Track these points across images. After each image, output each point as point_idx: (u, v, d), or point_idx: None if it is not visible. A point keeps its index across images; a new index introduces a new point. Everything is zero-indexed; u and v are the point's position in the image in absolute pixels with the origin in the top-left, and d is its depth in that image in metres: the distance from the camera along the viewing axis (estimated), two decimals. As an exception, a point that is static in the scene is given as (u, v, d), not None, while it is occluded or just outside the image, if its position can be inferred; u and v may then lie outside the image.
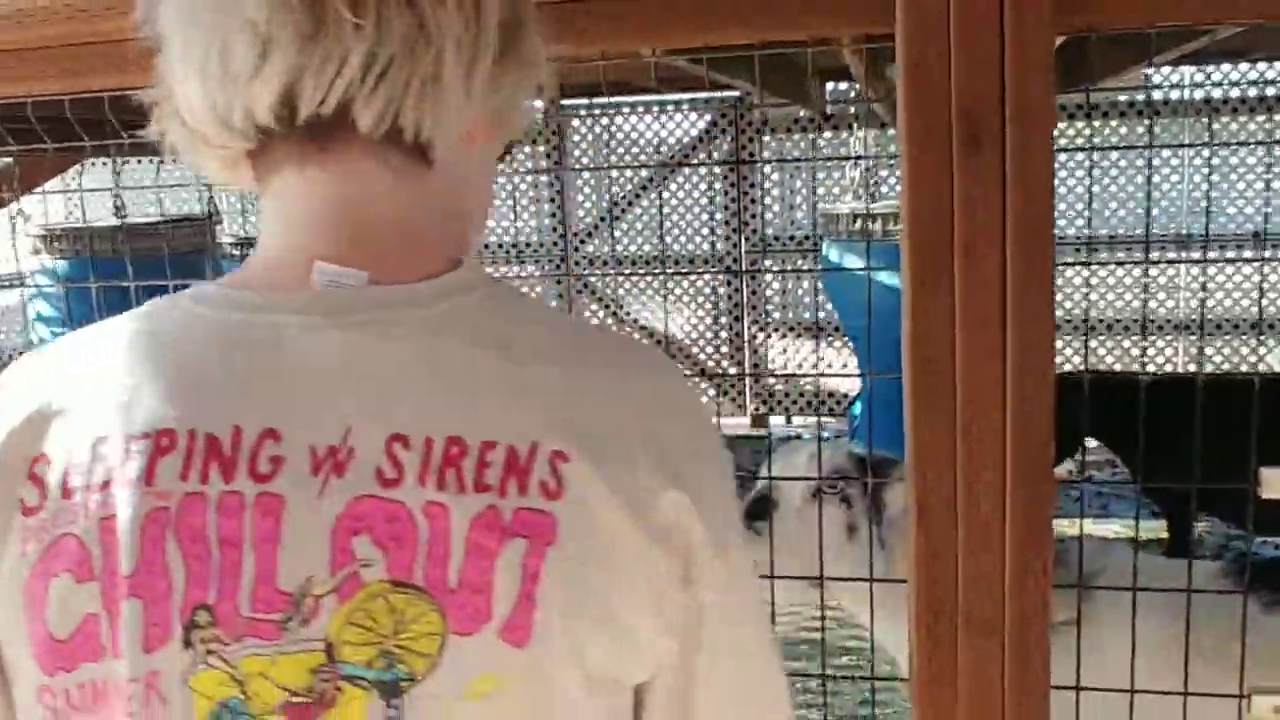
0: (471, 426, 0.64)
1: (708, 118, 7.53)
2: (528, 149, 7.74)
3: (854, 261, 4.13)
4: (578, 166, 7.80)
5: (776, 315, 7.97)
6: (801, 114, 6.98)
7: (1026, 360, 1.08)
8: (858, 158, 5.16)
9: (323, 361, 0.66)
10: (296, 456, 0.64)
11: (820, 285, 7.52)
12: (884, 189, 6.89)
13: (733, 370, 8.01)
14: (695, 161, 7.58)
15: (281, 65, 0.65)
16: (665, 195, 7.71)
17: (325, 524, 0.63)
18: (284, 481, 0.64)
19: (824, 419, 7.75)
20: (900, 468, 1.86)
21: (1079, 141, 6.31)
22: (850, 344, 4.82)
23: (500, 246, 8.10)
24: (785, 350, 7.83)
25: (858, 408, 4.95)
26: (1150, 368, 6.72)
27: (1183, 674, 1.34)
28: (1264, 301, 6.87)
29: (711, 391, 8.03)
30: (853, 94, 6.06)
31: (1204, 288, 6.76)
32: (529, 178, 7.82)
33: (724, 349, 8.08)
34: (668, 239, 7.61)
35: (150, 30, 0.70)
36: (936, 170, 1.08)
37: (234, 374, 0.67)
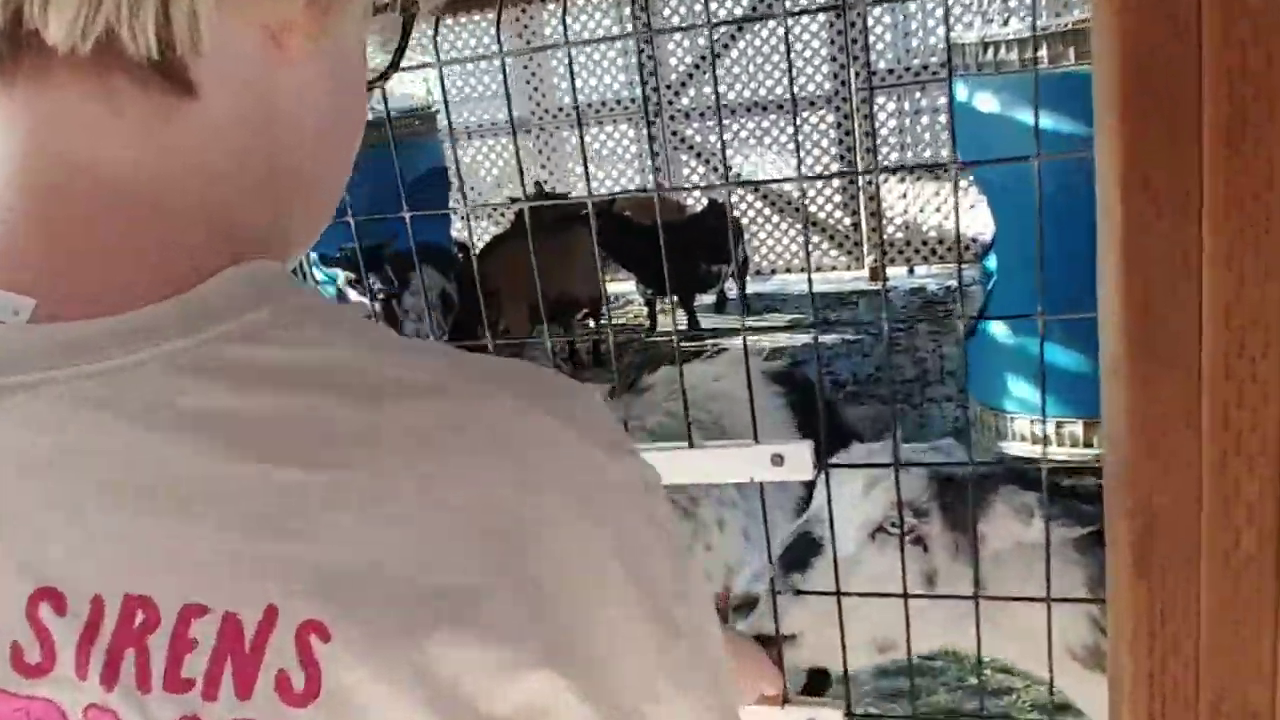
0: (167, 579, 0.41)
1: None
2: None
3: (985, 98, 3.55)
4: None
5: (894, 157, 7.31)
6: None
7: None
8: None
9: None
10: None
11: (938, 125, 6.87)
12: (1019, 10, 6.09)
13: (846, 220, 7.45)
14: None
15: None
16: (765, 34, 7.04)
17: None
18: None
19: (951, 266, 7.16)
20: (998, 488, 1.35)
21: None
22: (979, 190, 4.24)
23: (589, 106, 7.60)
24: (905, 196, 7.17)
25: (992, 261, 4.38)
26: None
27: None
28: None
29: (825, 245, 7.49)
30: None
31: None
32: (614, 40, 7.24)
33: (836, 198, 7.47)
34: (769, 82, 6.96)
35: None
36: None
37: None
